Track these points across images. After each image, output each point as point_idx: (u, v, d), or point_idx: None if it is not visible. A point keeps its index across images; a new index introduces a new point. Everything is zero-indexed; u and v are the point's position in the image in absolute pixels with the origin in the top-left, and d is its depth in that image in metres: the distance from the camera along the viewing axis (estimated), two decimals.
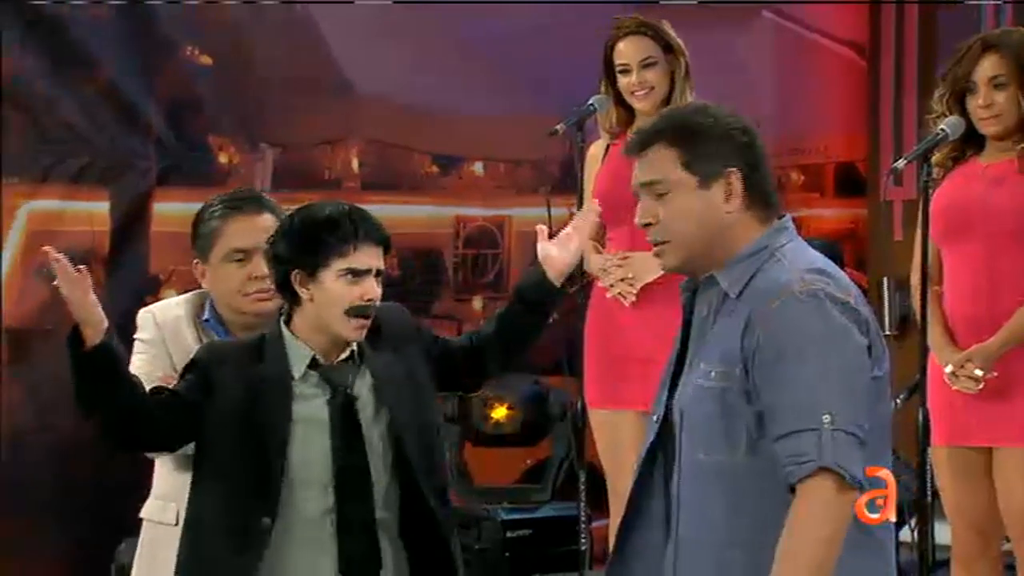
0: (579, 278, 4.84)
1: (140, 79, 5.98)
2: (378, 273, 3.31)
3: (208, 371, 3.30)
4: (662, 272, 4.60)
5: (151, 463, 3.69)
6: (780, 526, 2.74)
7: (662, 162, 2.86)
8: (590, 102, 4.79)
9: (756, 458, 2.78)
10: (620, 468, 4.77)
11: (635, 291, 4.70)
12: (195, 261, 3.68)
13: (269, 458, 3.24)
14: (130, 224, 5.98)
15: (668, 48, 4.75)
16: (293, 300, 3.32)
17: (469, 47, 6.47)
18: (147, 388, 3.50)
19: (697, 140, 2.85)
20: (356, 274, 3.27)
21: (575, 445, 4.81)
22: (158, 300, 6.08)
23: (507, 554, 5.73)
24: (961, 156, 4.40)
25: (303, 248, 3.28)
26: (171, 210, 6.05)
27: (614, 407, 4.77)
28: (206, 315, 3.67)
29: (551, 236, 3.48)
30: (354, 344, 3.32)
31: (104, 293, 5.87)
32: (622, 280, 4.72)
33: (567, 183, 5.21)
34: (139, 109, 5.97)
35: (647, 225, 2.89)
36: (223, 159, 6.18)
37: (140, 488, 5.88)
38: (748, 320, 2.79)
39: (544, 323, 3.48)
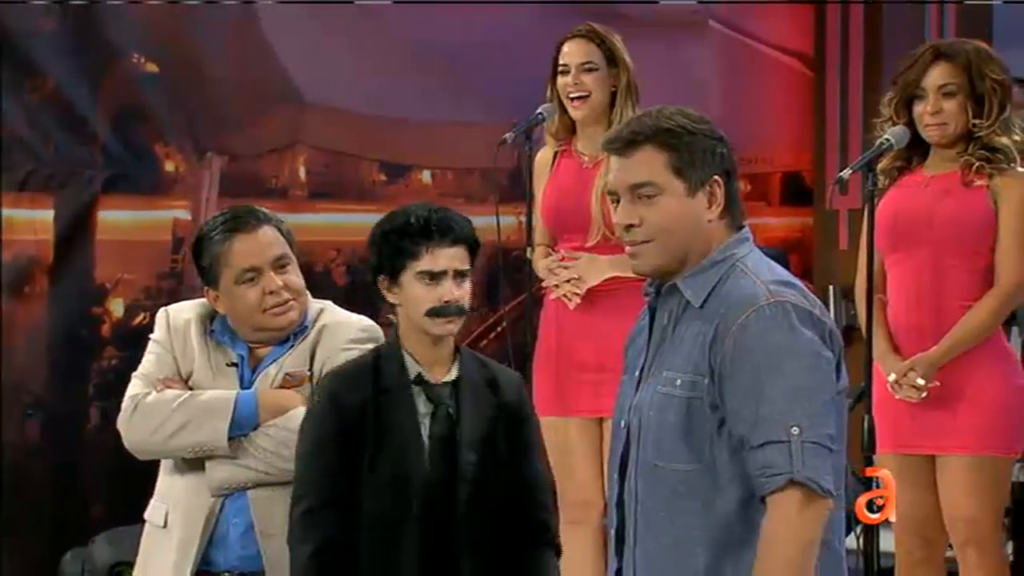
0: (528, 286, 4.84)
1: (85, 87, 5.95)
2: (459, 274, 3.30)
3: (341, 413, 3.28)
4: (608, 275, 4.68)
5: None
6: (739, 530, 2.77)
7: (652, 165, 2.85)
8: (539, 111, 4.80)
9: (715, 465, 2.80)
10: (569, 474, 4.78)
11: (581, 292, 4.69)
12: (205, 289, 3.65)
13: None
14: (75, 232, 5.94)
15: (612, 60, 4.77)
16: (392, 307, 3.35)
17: (417, 55, 6.46)
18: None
19: (687, 146, 2.86)
20: (432, 276, 3.28)
21: None
22: (104, 309, 6.12)
23: None
24: (906, 165, 4.43)
25: (383, 254, 3.31)
26: (116, 218, 6.02)
27: (562, 414, 4.79)
28: (213, 326, 3.66)
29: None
30: (457, 371, 3.33)
31: (48, 302, 5.92)
32: (567, 281, 4.72)
33: (516, 192, 5.22)
34: (84, 117, 5.94)
35: (629, 227, 2.87)
36: (169, 167, 6.16)
37: (86, 499, 5.87)
38: (716, 331, 2.80)
39: None
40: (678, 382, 2.82)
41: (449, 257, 3.29)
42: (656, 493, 2.84)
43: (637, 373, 2.92)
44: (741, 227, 2.91)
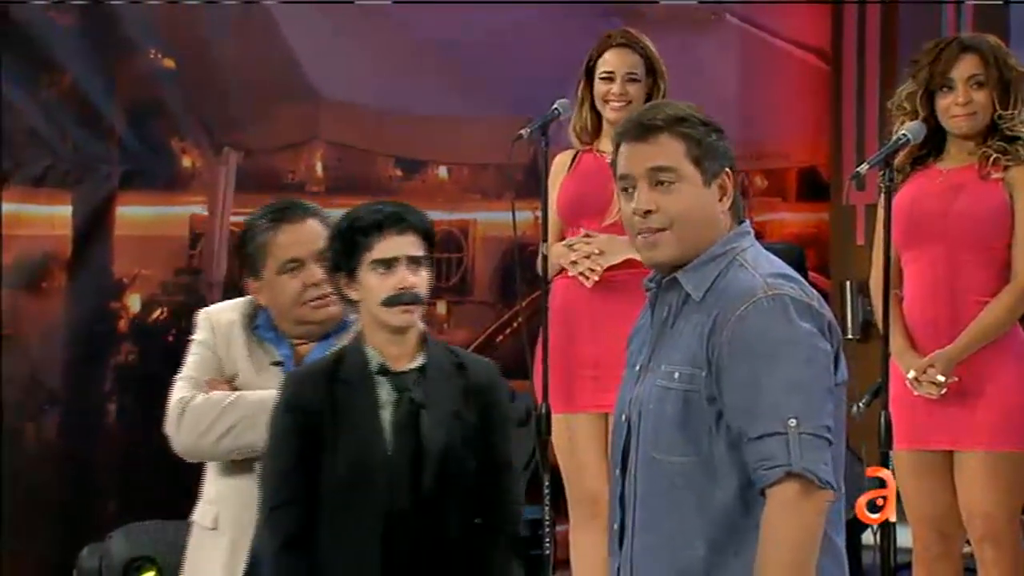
0: (543, 282, 4.84)
1: (103, 82, 5.96)
2: (413, 261, 3.31)
3: (299, 413, 3.31)
4: (627, 256, 4.65)
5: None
6: (738, 523, 2.77)
7: (671, 151, 2.86)
8: (554, 107, 4.80)
9: (713, 458, 2.80)
10: (577, 469, 4.78)
11: (600, 269, 4.69)
12: (248, 280, 3.66)
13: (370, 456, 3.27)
14: (93, 228, 5.96)
15: (651, 70, 4.81)
16: (352, 306, 3.37)
17: (432, 50, 6.47)
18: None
19: (702, 136, 2.87)
20: (386, 264, 3.29)
21: (539, 449, 4.81)
22: (121, 304, 6.12)
23: None
24: (921, 161, 4.42)
25: (340, 252, 3.34)
26: (134, 214, 6.03)
27: (569, 410, 4.79)
28: (258, 322, 3.66)
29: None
30: (423, 359, 3.34)
31: (65, 297, 5.93)
32: (587, 258, 4.71)
33: (531, 187, 5.22)
34: (102, 112, 5.95)
35: (647, 213, 2.86)
36: (186, 163, 6.17)
37: (102, 494, 5.88)
38: (714, 324, 2.80)
39: None
40: (676, 375, 2.82)
41: (401, 244, 3.30)
42: (655, 486, 2.84)
43: (638, 367, 2.93)
44: (742, 221, 2.92)
